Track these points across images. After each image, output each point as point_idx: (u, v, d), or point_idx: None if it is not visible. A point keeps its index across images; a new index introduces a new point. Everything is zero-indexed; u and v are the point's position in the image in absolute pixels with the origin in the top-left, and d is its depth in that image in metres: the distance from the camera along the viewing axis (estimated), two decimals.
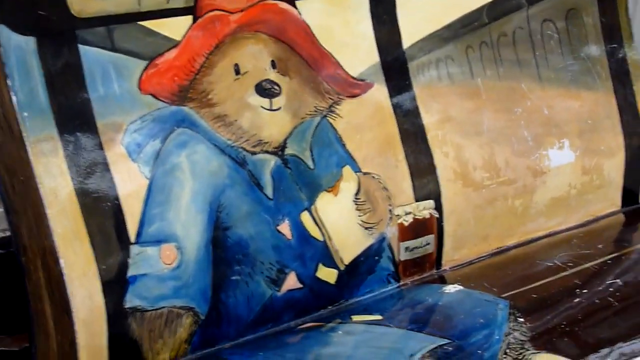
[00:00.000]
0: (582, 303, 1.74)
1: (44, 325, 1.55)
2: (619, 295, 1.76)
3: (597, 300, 1.75)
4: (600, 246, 1.98)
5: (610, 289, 1.78)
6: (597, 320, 1.70)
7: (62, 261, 1.46)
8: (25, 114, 1.45)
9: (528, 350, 1.58)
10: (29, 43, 1.45)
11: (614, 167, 2.16)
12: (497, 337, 1.60)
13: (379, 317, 1.69)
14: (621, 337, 1.65)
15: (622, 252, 1.98)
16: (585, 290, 1.78)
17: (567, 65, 2.11)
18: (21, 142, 1.45)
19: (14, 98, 1.44)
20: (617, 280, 1.82)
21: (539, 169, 2.03)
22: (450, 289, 1.80)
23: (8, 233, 2.05)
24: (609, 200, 2.18)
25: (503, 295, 1.74)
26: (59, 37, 1.49)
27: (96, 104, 1.52)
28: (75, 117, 1.50)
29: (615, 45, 2.17)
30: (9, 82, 1.44)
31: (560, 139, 2.07)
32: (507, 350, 1.57)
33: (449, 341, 1.58)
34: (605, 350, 1.61)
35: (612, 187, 2.18)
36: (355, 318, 1.70)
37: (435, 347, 1.55)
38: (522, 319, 1.66)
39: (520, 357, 1.57)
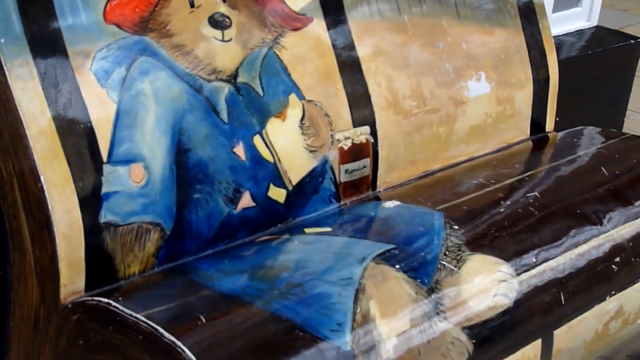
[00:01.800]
0: (507, 212, 1.89)
1: (20, 242, 1.63)
2: (538, 205, 1.93)
3: (519, 210, 1.91)
4: (516, 166, 2.12)
5: (530, 200, 1.94)
6: (522, 227, 1.85)
7: (42, 178, 1.53)
8: (2, 40, 1.51)
9: (464, 252, 1.74)
10: None
11: (524, 99, 2.28)
12: (437, 242, 1.74)
13: (328, 229, 1.80)
14: (543, 241, 1.83)
15: (534, 170, 2.14)
16: (508, 202, 1.93)
17: (481, 4, 2.19)
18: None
19: None
20: (535, 193, 1.98)
21: (460, 99, 2.13)
22: (390, 204, 1.91)
23: None
24: (519, 129, 2.29)
25: (437, 208, 1.86)
26: None
27: (66, 32, 1.58)
28: (47, 44, 1.56)
29: None
30: None
31: (477, 72, 2.17)
32: (447, 252, 1.72)
33: (394, 246, 1.71)
34: (531, 252, 1.79)
35: (522, 117, 2.29)
36: (308, 230, 1.80)
37: (383, 252, 1.68)
38: (456, 227, 1.79)
39: (458, 258, 1.72)
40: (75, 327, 1.57)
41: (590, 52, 3.17)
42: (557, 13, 3.20)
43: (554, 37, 3.13)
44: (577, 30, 3.30)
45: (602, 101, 3.27)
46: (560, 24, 3.23)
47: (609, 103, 3.33)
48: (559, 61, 2.95)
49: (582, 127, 2.38)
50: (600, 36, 3.30)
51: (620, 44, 3.28)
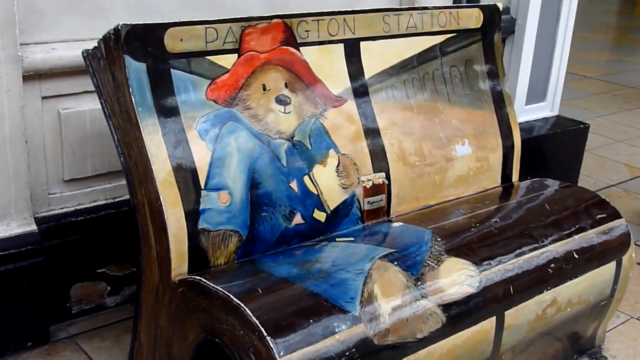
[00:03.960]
0: (477, 232, 1.89)
1: (148, 240, 1.69)
2: (499, 229, 1.93)
3: (486, 231, 1.91)
4: (487, 202, 2.12)
5: (494, 226, 1.94)
6: (486, 242, 1.86)
7: (161, 198, 1.59)
8: (140, 108, 1.59)
9: (443, 256, 1.75)
10: (142, 67, 1.59)
11: (496, 158, 2.25)
12: (424, 249, 1.76)
13: (352, 239, 1.82)
14: (500, 252, 1.83)
15: (501, 205, 2.14)
16: (479, 226, 1.93)
17: (465, 94, 2.19)
18: (137, 126, 1.59)
19: (133, 99, 1.58)
20: (497, 220, 1.98)
21: (450, 157, 2.12)
22: (396, 224, 1.92)
23: (117, 200, 2.21)
24: (493, 179, 2.26)
25: (428, 227, 1.87)
26: (160, 63, 1.62)
27: (180, 104, 1.65)
28: (168, 112, 1.63)
29: (495, 83, 2.25)
30: (130, 89, 1.58)
31: (462, 139, 2.16)
32: (431, 255, 1.74)
33: (395, 250, 1.73)
34: (491, 258, 1.80)
35: (495, 171, 2.26)
36: (338, 240, 1.83)
37: (387, 253, 1.71)
38: (440, 240, 1.81)
39: (438, 259, 1.73)
40: (181, 296, 1.62)
41: (552, 132, 3.15)
42: (529, 105, 3.18)
43: (526, 122, 3.19)
44: (543, 118, 3.27)
45: (562, 167, 3.24)
46: (531, 113, 3.21)
47: (568, 168, 3.29)
48: (529, 139, 2.99)
49: (538, 178, 2.34)
50: (559, 122, 3.27)
51: (574, 127, 3.26)
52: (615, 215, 2.11)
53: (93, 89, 1.71)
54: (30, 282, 1.99)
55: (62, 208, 2.15)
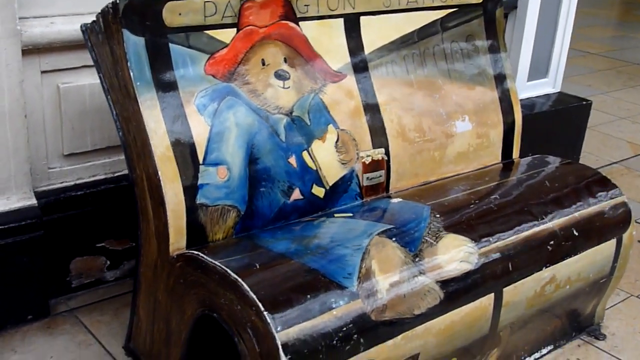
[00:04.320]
0: (476, 209, 1.88)
1: (146, 215, 1.70)
2: (498, 205, 1.92)
3: (484, 207, 1.90)
4: (487, 179, 2.11)
5: (493, 203, 1.93)
6: (485, 219, 1.85)
7: (160, 173, 1.59)
8: (138, 83, 1.58)
9: (442, 232, 1.75)
10: (140, 41, 1.58)
11: (496, 135, 2.24)
12: (423, 225, 1.76)
13: (350, 215, 1.82)
14: (499, 229, 1.82)
15: (500, 181, 2.12)
16: (478, 202, 1.92)
17: (466, 70, 2.17)
18: (135, 100, 1.59)
19: (131, 73, 1.57)
20: (497, 197, 1.97)
21: (450, 133, 2.11)
22: (395, 200, 1.92)
23: (116, 174, 2.22)
24: (493, 156, 2.25)
25: (427, 204, 1.86)
26: (158, 38, 1.61)
27: (179, 79, 1.64)
28: (166, 86, 1.62)
29: (497, 58, 2.23)
30: (128, 64, 1.57)
31: (462, 115, 2.14)
32: (429, 232, 1.74)
33: (393, 226, 1.73)
34: (489, 235, 1.79)
35: (495, 147, 2.25)
36: (337, 215, 1.82)
37: (385, 229, 1.70)
38: (438, 216, 1.80)
39: (437, 236, 1.73)
40: (179, 270, 1.63)
41: (554, 109, 3.14)
42: (530, 82, 3.15)
43: (528, 98, 3.16)
44: (545, 94, 3.25)
45: (563, 144, 3.23)
46: (532, 89, 3.18)
47: (569, 145, 3.28)
48: (531, 115, 2.98)
49: (539, 155, 2.33)
50: (561, 99, 3.25)
51: (576, 104, 3.24)
52: (616, 193, 2.10)
53: (92, 63, 1.71)
54: (30, 256, 2.00)
55: (61, 182, 2.15)
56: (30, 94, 2.01)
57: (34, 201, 2.03)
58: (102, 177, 2.20)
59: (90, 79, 2.07)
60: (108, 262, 2.24)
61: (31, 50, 1.97)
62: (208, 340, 1.68)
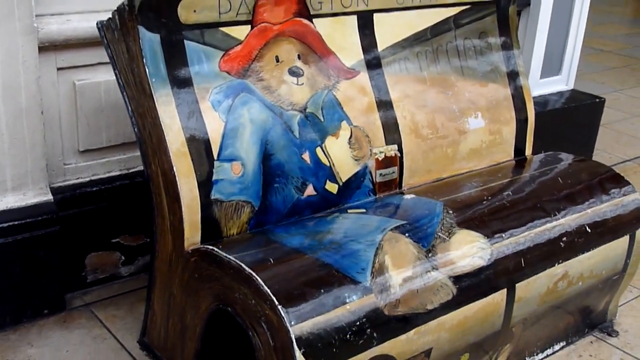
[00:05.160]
0: (489, 205, 1.89)
1: (161, 211, 1.71)
2: (511, 202, 1.92)
3: (497, 203, 1.91)
4: (500, 175, 2.11)
5: (505, 199, 1.94)
6: (498, 215, 1.85)
7: (175, 168, 1.60)
8: (153, 79, 1.59)
9: (455, 228, 1.76)
10: (156, 38, 1.60)
11: (509, 132, 2.24)
12: (436, 220, 1.76)
13: (364, 211, 1.83)
14: (512, 225, 1.83)
15: (513, 178, 2.12)
16: (490, 198, 1.93)
17: (479, 66, 2.17)
18: (150, 97, 1.60)
19: (147, 70, 1.59)
20: (510, 193, 1.97)
21: (463, 130, 2.12)
22: (408, 196, 1.93)
23: (131, 170, 2.24)
24: (506, 152, 2.25)
25: (440, 200, 1.87)
26: (173, 34, 1.62)
27: (194, 75, 1.65)
28: (182, 83, 1.63)
29: (509, 55, 2.24)
30: (144, 60, 1.59)
31: (475, 112, 2.15)
32: (442, 227, 1.74)
33: (406, 222, 1.73)
34: (502, 231, 1.80)
35: (508, 144, 2.25)
36: (350, 211, 1.83)
37: (398, 225, 1.71)
38: (451, 212, 1.81)
39: (449, 231, 1.74)
40: (193, 265, 1.64)
41: (567, 106, 3.13)
42: (544, 79, 3.14)
43: (542, 95, 3.15)
44: (558, 92, 3.24)
45: (576, 142, 3.22)
46: (546, 86, 3.17)
47: (582, 143, 3.27)
48: (544, 112, 2.97)
49: (552, 152, 2.32)
50: (574, 96, 3.24)
51: (589, 101, 3.23)
52: (629, 189, 2.09)
53: (108, 60, 1.72)
54: (46, 251, 2.02)
55: (77, 178, 2.17)
56: (47, 91, 2.04)
57: (50, 197, 2.05)
58: (117, 173, 2.22)
59: (106, 76, 2.09)
60: (123, 258, 2.26)
61: (47, 47, 1.99)
62: (222, 335, 1.69)
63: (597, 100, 3.24)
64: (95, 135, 2.15)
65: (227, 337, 1.69)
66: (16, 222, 1.97)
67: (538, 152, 2.34)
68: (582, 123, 3.21)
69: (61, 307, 2.10)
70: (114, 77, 1.71)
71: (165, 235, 1.73)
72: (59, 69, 2.05)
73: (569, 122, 3.12)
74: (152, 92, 1.60)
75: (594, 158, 3.27)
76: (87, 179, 2.18)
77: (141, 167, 2.20)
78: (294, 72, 1.80)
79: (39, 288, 2.05)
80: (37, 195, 2.04)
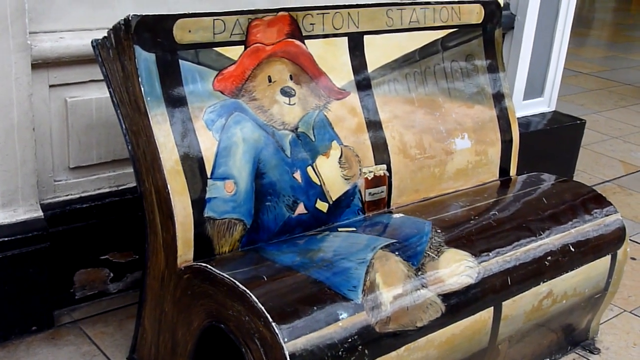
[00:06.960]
0: (476, 224, 1.92)
1: (154, 228, 1.72)
2: (497, 221, 1.96)
3: (484, 223, 1.94)
4: (486, 195, 2.14)
5: (492, 219, 1.97)
6: (485, 234, 1.88)
7: (169, 186, 1.62)
8: (148, 98, 1.61)
9: (443, 247, 1.78)
10: (151, 57, 1.61)
11: (494, 152, 2.28)
12: (425, 239, 1.79)
13: (354, 229, 1.85)
14: (498, 244, 1.86)
15: (499, 198, 2.16)
16: (477, 218, 1.96)
17: (466, 88, 2.21)
18: (145, 115, 1.61)
19: (142, 88, 1.60)
20: (496, 213, 2.00)
21: (449, 150, 2.15)
22: (397, 215, 1.95)
23: (121, 188, 2.24)
24: (491, 173, 2.28)
25: (428, 219, 1.90)
26: (169, 54, 1.64)
27: (188, 95, 1.67)
28: (176, 102, 1.65)
29: (495, 77, 2.28)
30: (139, 79, 1.60)
31: (462, 133, 2.18)
32: (431, 246, 1.77)
33: (396, 241, 1.76)
34: (489, 250, 1.83)
35: (493, 165, 2.28)
36: (340, 229, 1.85)
37: (388, 244, 1.73)
38: (440, 232, 1.83)
39: (438, 250, 1.76)
40: (186, 282, 1.65)
41: (549, 128, 3.18)
42: (526, 101, 3.20)
43: (524, 117, 3.20)
44: (541, 113, 3.30)
45: (557, 163, 3.27)
46: (528, 108, 3.23)
47: (564, 164, 3.32)
48: (527, 133, 3.01)
49: (535, 172, 2.36)
50: (556, 117, 3.29)
51: (570, 123, 3.29)
52: (611, 210, 2.14)
53: (100, 77, 1.73)
54: (35, 267, 2.02)
55: (67, 195, 2.17)
56: (38, 107, 2.04)
57: (40, 213, 2.05)
58: (107, 190, 2.22)
59: (97, 93, 2.10)
60: (111, 275, 2.25)
61: (40, 64, 2.00)
62: (213, 352, 1.69)
63: (578, 122, 3.30)
64: (85, 152, 2.16)
65: (217, 354, 1.70)
66: (6, 239, 1.96)
67: (521, 172, 2.38)
68: (563, 144, 3.27)
69: (49, 323, 2.09)
70: (106, 95, 1.72)
71: (157, 252, 1.74)
72: (51, 86, 2.05)
73: (551, 143, 3.17)
74: (147, 110, 1.61)
75: (574, 179, 3.32)
76: (77, 196, 2.18)
77: (131, 184, 2.22)
78: (286, 92, 1.82)
79: (28, 304, 2.04)
80: (27, 211, 2.03)
